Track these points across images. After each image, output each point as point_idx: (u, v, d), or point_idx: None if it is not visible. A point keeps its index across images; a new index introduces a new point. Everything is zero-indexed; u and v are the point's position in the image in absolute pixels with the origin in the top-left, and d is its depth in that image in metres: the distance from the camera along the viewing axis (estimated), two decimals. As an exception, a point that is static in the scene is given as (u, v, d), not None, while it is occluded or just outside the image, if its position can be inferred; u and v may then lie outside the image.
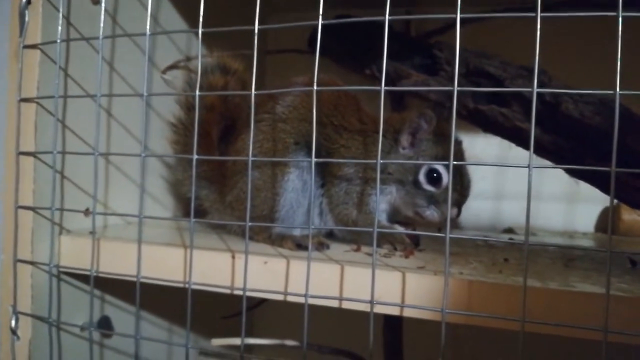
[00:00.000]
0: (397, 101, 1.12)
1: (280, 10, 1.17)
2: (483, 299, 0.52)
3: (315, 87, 0.51)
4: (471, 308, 0.52)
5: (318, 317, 0.62)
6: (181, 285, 0.58)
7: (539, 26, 0.45)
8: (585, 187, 0.75)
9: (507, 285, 0.53)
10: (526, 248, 0.46)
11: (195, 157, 0.56)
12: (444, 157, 0.69)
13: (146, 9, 0.59)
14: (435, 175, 0.71)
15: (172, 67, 0.90)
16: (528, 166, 0.46)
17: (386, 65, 0.98)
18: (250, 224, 0.54)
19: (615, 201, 1.04)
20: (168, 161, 0.92)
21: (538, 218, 1.08)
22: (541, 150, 0.73)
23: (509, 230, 1.08)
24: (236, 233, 0.78)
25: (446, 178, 0.70)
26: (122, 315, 0.82)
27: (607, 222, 1.10)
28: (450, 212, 0.70)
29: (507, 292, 0.52)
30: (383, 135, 0.73)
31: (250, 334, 1.23)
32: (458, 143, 0.74)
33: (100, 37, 0.61)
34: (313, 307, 0.55)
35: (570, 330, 0.47)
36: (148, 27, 0.58)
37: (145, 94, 0.58)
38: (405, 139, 0.72)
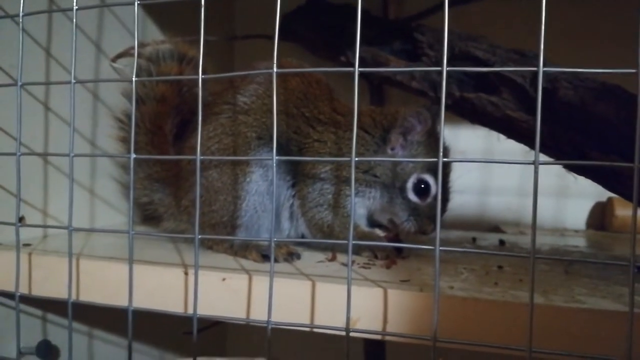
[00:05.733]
0: (375, 92, 1.04)
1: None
2: (479, 319, 0.44)
3: (275, 69, 0.42)
4: (465, 331, 0.44)
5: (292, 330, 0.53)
6: (121, 307, 0.49)
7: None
8: (574, 182, 0.68)
9: (506, 302, 0.45)
10: (532, 261, 0.38)
11: (133, 156, 0.46)
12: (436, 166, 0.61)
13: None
14: (423, 186, 0.64)
15: (123, 54, 0.80)
16: (533, 162, 0.38)
17: (363, 51, 0.90)
18: (200, 236, 0.45)
19: (609, 196, 0.99)
20: (120, 161, 0.81)
21: (526, 215, 1.01)
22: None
23: (496, 229, 1.00)
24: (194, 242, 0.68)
25: (434, 191, 0.64)
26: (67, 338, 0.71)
27: (598, 218, 1.03)
28: (426, 228, 0.64)
29: (507, 311, 0.44)
30: (368, 132, 0.65)
31: (222, 348, 1.13)
32: (445, 149, 0.66)
33: (21, 12, 0.51)
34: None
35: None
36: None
37: (73, 80, 0.48)
38: (395, 139, 0.64)
